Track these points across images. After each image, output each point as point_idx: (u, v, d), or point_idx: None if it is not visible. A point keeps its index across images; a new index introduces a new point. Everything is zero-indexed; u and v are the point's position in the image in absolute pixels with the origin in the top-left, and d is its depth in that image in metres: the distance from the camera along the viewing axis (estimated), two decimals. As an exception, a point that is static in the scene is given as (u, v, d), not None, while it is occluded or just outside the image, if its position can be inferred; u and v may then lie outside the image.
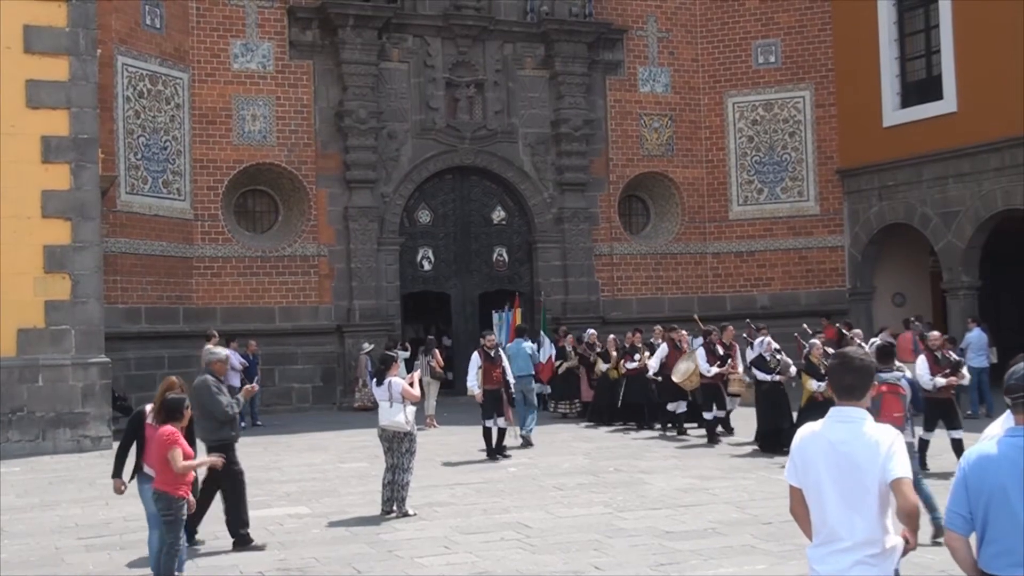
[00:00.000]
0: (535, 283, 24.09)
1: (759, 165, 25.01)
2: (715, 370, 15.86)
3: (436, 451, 15.04)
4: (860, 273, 24.14)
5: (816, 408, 11.89)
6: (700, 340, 17.17)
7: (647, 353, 17.55)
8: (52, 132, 16.48)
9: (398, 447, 10.61)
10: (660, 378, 16.85)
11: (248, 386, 9.65)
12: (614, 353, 18.42)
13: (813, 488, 4.27)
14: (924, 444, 12.28)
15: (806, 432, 4.39)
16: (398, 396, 10.49)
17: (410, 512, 10.47)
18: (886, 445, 4.16)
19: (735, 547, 8.84)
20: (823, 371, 12.70)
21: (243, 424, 19.14)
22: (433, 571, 8.35)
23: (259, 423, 19.55)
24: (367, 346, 21.15)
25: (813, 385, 13.24)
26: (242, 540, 9.24)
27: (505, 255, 24.31)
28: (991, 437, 4.38)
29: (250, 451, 15.75)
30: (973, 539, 4.19)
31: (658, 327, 18.92)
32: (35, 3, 16.44)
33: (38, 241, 16.34)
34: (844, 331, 18.49)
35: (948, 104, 21.53)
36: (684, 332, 17.55)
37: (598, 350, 19.24)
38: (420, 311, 26.04)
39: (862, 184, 23.88)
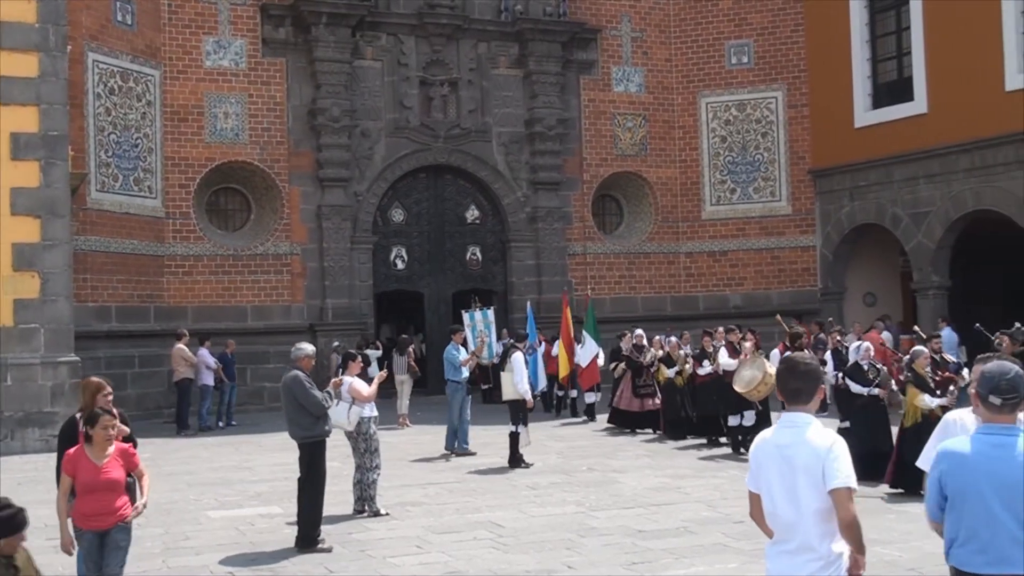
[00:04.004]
0: (508, 282, 24.10)
1: (732, 165, 25.10)
2: None
3: (408, 451, 15.01)
4: (832, 273, 24.28)
5: (930, 428, 9.96)
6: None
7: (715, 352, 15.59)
8: (21, 129, 16.33)
9: (357, 447, 10.57)
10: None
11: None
12: (685, 354, 16.40)
13: (766, 491, 4.34)
14: None
15: (759, 439, 4.47)
16: (346, 395, 10.35)
17: (381, 511, 10.45)
18: (825, 451, 4.13)
19: (707, 546, 8.87)
20: (932, 384, 11.17)
21: (220, 423, 19.12)
22: (406, 571, 8.34)
23: (233, 423, 19.43)
24: (335, 344, 21.05)
25: (927, 401, 10.96)
26: (309, 540, 9.08)
27: (479, 254, 24.28)
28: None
29: (221, 451, 15.72)
30: None
31: (720, 328, 16.84)
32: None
33: (7, 239, 16.19)
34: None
35: (919, 105, 21.69)
36: (755, 333, 15.77)
37: (654, 353, 17.06)
38: (394, 310, 25.96)
39: (834, 184, 24.02)
